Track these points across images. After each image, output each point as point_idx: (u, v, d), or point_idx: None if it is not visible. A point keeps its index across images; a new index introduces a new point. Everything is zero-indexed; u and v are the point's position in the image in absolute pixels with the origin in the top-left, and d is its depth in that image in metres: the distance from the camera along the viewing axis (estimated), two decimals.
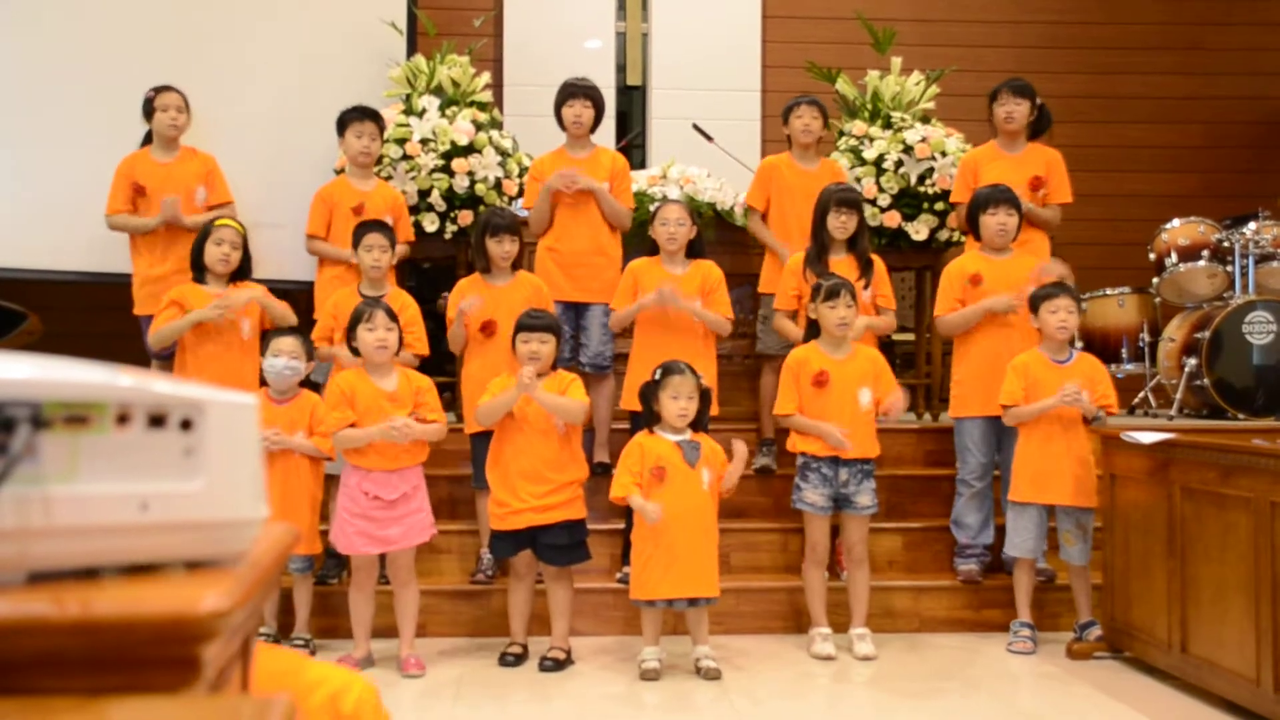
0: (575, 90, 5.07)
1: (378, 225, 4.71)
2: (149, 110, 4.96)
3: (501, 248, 4.61)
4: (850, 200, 4.77)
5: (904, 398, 4.44)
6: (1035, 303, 4.48)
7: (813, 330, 4.48)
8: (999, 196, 4.76)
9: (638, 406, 4.43)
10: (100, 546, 0.91)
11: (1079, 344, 6.24)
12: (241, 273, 4.64)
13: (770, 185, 5.20)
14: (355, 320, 4.18)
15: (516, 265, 4.71)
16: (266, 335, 4.43)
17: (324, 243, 5.02)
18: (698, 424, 4.18)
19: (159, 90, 4.97)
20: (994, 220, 4.74)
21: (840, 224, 4.73)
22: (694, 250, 4.74)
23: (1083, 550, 4.40)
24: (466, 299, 4.57)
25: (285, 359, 4.23)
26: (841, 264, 4.73)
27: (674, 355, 4.30)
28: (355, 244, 4.66)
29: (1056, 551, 4.53)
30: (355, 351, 4.20)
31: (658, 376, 4.14)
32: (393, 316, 4.19)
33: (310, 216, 5.04)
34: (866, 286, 4.77)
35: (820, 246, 4.75)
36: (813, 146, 5.22)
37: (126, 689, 0.85)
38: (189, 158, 5.04)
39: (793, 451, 4.48)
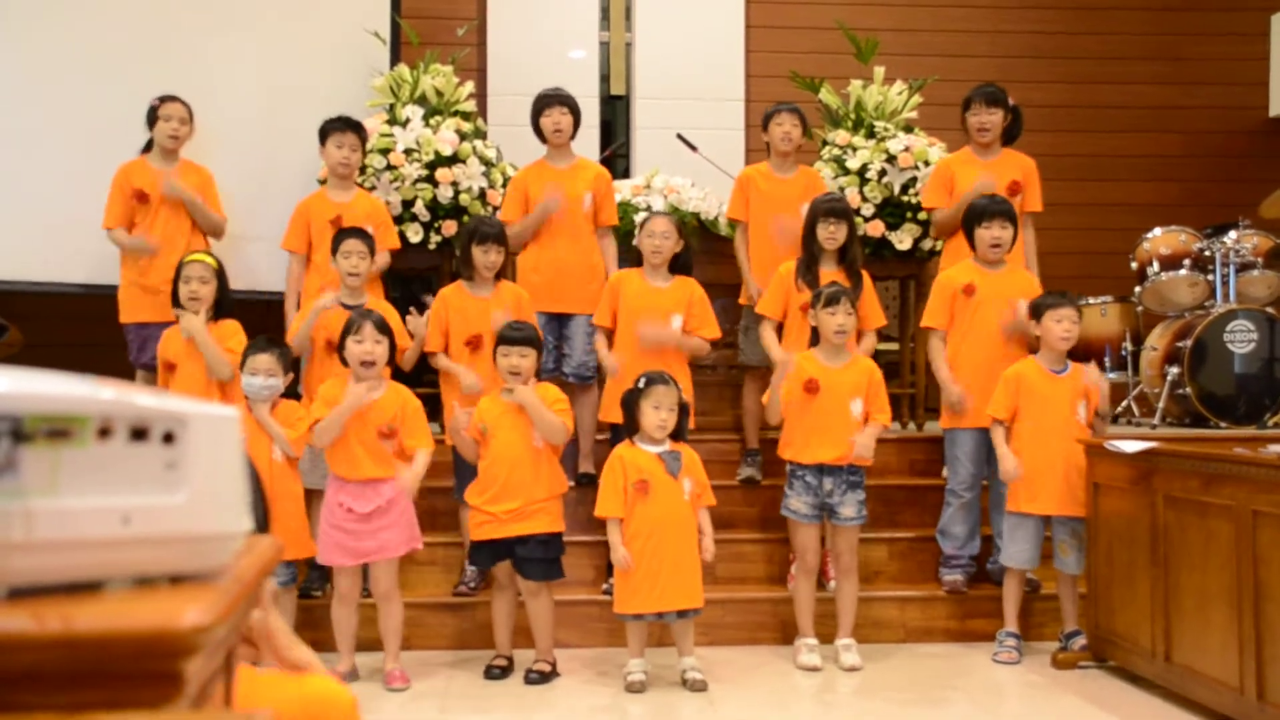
0: (551, 99, 5.06)
1: (356, 232, 4.67)
2: (152, 118, 4.93)
3: (487, 257, 4.60)
4: (839, 211, 4.76)
5: (871, 450, 4.38)
6: (1039, 310, 4.47)
7: (810, 338, 4.48)
8: (994, 209, 4.71)
9: (617, 418, 4.44)
10: (82, 561, 0.90)
11: None
12: (222, 304, 4.59)
13: (748, 196, 5.20)
14: (345, 331, 4.16)
15: (500, 275, 4.71)
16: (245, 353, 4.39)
17: (296, 264, 4.99)
18: (676, 435, 4.19)
19: (164, 100, 4.93)
20: (988, 234, 4.70)
21: (829, 234, 4.71)
22: (681, 266, 4.73)
23: (1078, 560, 4.41)
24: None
25: (262, 377, 4.19)
26: (831, 275, 4.72)
27: (652, 369, 4.29)
28: (334, 251, 4.64)
29: (1049, 560, 4.52)
30: (345, 362, 4.18)
31: (641, 385, 4.14)
32: (383, 329, 4.15)
33: (287, 232, 5.00)
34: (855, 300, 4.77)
35: (811, 257, 4.75)
36: (791, 154, 5.21)
37: (108, 704, 0.84)
38: (187, 170, 4.99)
39: (782, 458, 4.48)
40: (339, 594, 4.20)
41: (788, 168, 5.21)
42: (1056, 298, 4.47)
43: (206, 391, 4.52)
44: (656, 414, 4.09)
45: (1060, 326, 4.40)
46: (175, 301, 4.55)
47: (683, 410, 4.17)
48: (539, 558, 4.17)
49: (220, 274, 4.58)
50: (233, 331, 4.59)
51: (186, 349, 4.53)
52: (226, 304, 4.62)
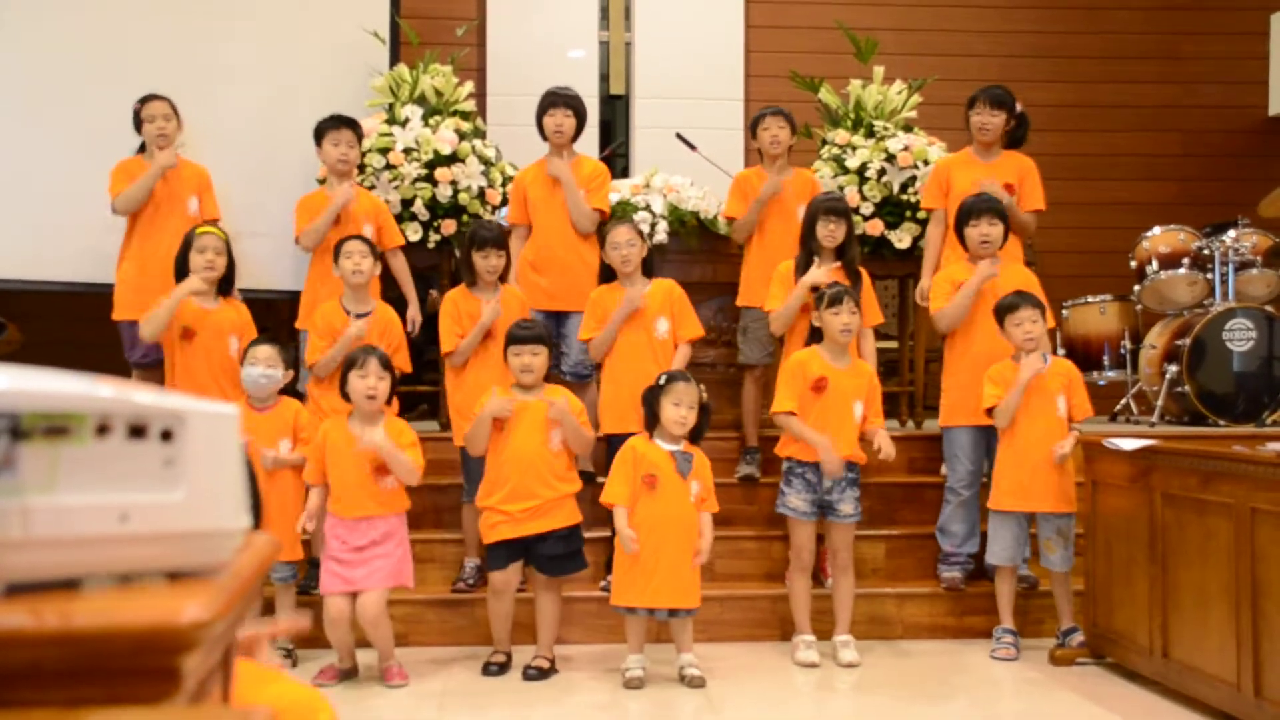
0: (556, 99, 5.06)
1: (357, 235, 4.72)
2: (138, 121, 4.92)
3: (488, 262, 4.60)
4: (838, 209, 4.76)
5: (894, 450, 4.41)
6: (999, 315, 4.49)
7: (813, 336, 4.50)
8: (982, 207, 4.72)
9: (611, 430, 4.46)
10: (80, 558, 0.91)
11: (1060, 350, 6.28)
12: (228, 280, 4.62)
13: (745, 197, 5.20)
14: (349, 365, 4.11)
15: (502, 278, 4.72)
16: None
17: (310, 224, 4.96)
18: (694, 436, 4.19)
19: (145, 100, 4.91)
20: (976, 232, 4.71)
21: (829, 232, 4.72)
22: (647, 269, 4.72)
23: (1064, 557, 4.42)
24: (489, 307, 4.55)
25: (261, 368, 4.20)
26: (830, 273, 4.73)
27: (648, 380, 4.28)
28: (336, 256, 4.65)
29: (1038, 558, 4.54)
30: (346, 397, 4.13)
31: (662, 382, 4.15)
32: (386, 365, 4.13)
33: (296, 221, 5.03)
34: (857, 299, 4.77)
35: (809, 255, 4.75)
36: (783, 157, 5.21)
37: (106, 700, 0.84)
38: (184, 168, 4.97)
39: (780, 455, 4.49)
40: (329, 618, 4.06)
41: (782, 170, 5.22)
42: (1012, 299, 4.47)
43: (226, 359, 4.56)
44: (677, 410, 4.10)
45: (1020, 330, 4.41)
46: (181, 271, 4.54)
47: (704, 410, 4.18)
48: (560, 553, 4.18)
49: (229, 248, 4.63)
50: (251, 326, 4.70)
51: (204, 316, 4.55)
52: (232, 279, 4.66)
